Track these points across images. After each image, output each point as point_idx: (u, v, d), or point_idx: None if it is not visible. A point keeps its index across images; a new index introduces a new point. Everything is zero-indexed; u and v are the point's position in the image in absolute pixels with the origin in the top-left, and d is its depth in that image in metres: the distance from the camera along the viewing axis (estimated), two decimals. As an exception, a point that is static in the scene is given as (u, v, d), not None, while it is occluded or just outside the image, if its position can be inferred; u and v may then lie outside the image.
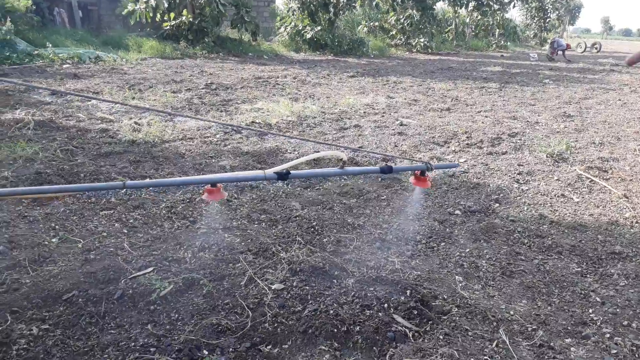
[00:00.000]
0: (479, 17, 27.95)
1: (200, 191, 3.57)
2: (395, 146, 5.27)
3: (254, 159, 4.55)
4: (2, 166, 3.92)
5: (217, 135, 5.36)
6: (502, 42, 27.93)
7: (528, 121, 6.80)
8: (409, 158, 4.71)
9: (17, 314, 2.09)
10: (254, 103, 7.31)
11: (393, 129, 6.04)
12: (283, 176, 1.76)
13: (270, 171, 1.74)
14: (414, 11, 21.61)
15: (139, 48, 13.14)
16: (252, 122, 6.07)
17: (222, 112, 6.64)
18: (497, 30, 28.68)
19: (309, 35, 17.58)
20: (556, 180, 4.26)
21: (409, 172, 2.01)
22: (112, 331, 2.01)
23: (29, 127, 5.15)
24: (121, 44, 13.31)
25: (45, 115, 5.74)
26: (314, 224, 3.13)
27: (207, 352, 1.89)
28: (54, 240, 2.76)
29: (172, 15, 14.50)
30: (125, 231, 2.93)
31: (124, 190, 3.45)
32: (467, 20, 28.14)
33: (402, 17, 21.80)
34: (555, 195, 3.85)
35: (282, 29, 18.64)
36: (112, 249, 2.69)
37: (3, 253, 2.59)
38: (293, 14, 18.44)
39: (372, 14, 23.57)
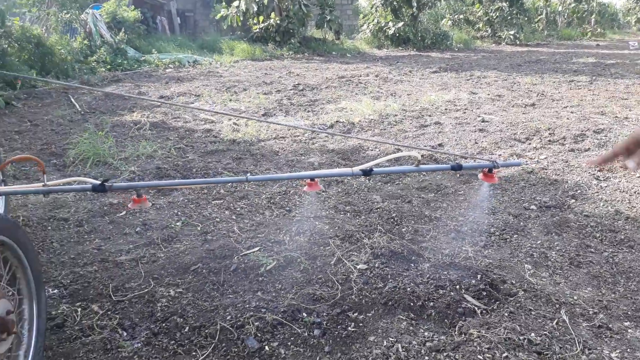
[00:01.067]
0: (573, 3, 26.41)
1: (298, 185, 4.05)
2: (475, 143, 5.45)
3: (339, 156, 4.97)
4: (130, 162, 4.66)
5: (306, 135, 5.85)
6: (599, 29, 26.21)
7: (617, 117, 6.63)
8: (474, 157, 4.90)
9: (157, 280, 2.66)
10: (338, 103, 7.75)
11: (474, 126, 6.20)
12: (367, 172, 2.14)
13: (356, 168, 2.13)
14: (503, 3, 20.96)
15: (231, 51, 14.09)
16: (336, 121, 6.51)
17: (309, 112, 7.15)
18: (593, 17, 26.94)
19: (391, 31, 17.76)
20: (638, 177, 4.26)
21: (478, 169, 2.30)
22: (230, 296, 2.51)
23: (145, 127, 5.96)
24: (215, 47, 14.35)
25: (157, 117, 6.56)
26: (394, 215, 3.49)
27: (305, 315, 2.33)
28: (177, 223, 3.36)
29: (261, 18, 15.35)
30: (234, 217, 3.48)
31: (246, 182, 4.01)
32: (560, 8, 26.70)
33: (490, 9, 21.24)
34: (635, 192, 3.89)
35: (365, 26, 18.96)
36: (224, 232, 3.24)
37: (140, 233, 3.22)
38: (376, 11, 18.69)
39: (456, 6, 23.17)
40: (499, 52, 17.30)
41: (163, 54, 12.29)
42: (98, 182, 1.96)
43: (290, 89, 8.97)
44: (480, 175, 2.27)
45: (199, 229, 3.29)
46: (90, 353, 2.08)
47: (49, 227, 3.27)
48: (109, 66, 10.40)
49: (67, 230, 3.23)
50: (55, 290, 2.54)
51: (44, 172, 2.02)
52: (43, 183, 1.97)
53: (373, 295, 2.49)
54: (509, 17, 21.11)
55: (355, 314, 2.36)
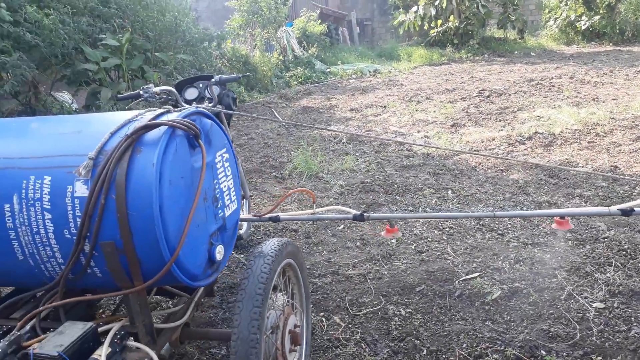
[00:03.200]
0: None
1: (548, 222, 3.97)
2: None
3: (545, 173, 4.71)
4: (336, 176, 5.05)
5: (502, 147, 5.66)
6: None
7: None
8: None
9: (386, 297, 2.87)
10: (532, 110, 7.31)
11: None
12: (627, 212, 2.02)
13: (614, 208, 2.03)
14: None
15: (409, 57, 14.21)
16: (535, 132, 6.15)
17: (500, 121, 6.88)
18: None
19: (584, 25, 16.06)
20: None
21: None
22: (460, 322, 2.59)
23: (342, 141, 6.38)
24: (393, 55, 14.62)
25: (351, 130, 6.97)
26: (625, 247, 3.20)
27: (544, 352, 2.30)
28: (392, 241, 3.55)
29: (439, 21, 15.18)
30: (445, 238, 3.55)
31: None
32: None
33: None
34: None
35: (551, 21, 17.45)
36: (439, 253, 3.33)
37: (360, 248, 3.49)
38: (565, 4, 17.07)
39: (665, -12, 19.92)
40: None
41: (346, 65, 12.93)
42: (358, 212, 2.20)
43: (476, 96, 8.73)
44: None
45: (412, 247, 3.44)
46: (342, 363, 2.35)
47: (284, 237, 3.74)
48: (300, 79, 11.32)
49: (299, 241, 3.65)
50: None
51: (314, 201, 2.34)
52: (312, 211, 2.28)
53: (617, 339, 2.35)
54: None
55: (599, 358, 2.25)
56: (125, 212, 1.60)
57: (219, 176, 1.95)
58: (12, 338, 1.65)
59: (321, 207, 2.50)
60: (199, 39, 8.39)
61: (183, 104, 3.10)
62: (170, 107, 2.10)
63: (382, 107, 8.50)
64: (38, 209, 1.68)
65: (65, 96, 7.37)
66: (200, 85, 3.19)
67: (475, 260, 3.20)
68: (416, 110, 7.95)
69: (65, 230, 1.67)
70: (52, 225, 1.68)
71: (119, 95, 3.12)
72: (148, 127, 1.68)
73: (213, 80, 3.06)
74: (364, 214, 2.19)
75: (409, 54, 14.48)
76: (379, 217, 2.28)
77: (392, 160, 5.48)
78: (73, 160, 1.69)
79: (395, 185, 4.67)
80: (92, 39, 6.76)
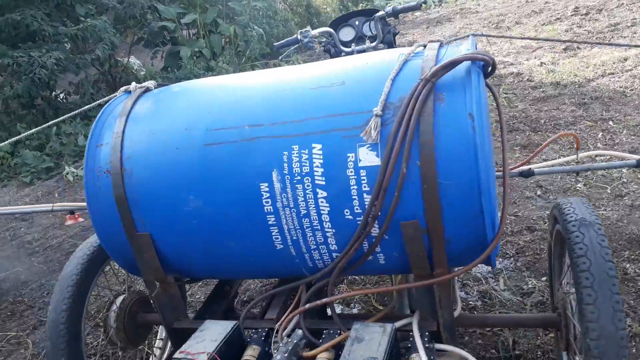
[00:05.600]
0: None
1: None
2: None
3: None
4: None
5: (639, 68, 4.96)
6: None
7: None
8: None
9: (615, 254, 2.42)
10: (651, 23, 6.44)
11: None
12: None
13: None
14: None
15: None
16: (672, 46, 5.37)
17: (620, 38, 6.08)
18: None
19: None
20: None
21: None
22: None
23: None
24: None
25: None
26: None
27: None
28: (579, 186, 3.07)
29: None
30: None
31: None
32: None
33: None
34: None
35: None
36: (647, 195, 2.84)
37: (542, 197, 3.03)
38: None
39: None
40: None
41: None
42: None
43: (571, 14, 7.81)
44: None
45: (608, 191, 2.95)
46: None
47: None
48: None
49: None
50: None
51: (579, 147, 1.88)
52: (575, 159, 1.83)
53: None
54: None
55: None
56: (435, 182, 1.20)
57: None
58: (290, 348, 1.33)
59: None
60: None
61: (341, 47, 2.66)
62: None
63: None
64: (307, 186, 1.30)
65: (136, 61, 7.04)
66: (356, 22, 2.71)
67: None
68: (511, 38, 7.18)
69: (347, 210, 1.29)
70: (327, 205, 1.30)
71: (275, 43, 2.70)
72: (449, 66, 1.24)
73: (382, 13, 2.57)
74: (653, 157, 1.71)
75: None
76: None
77: (518, 93, 4.90)
78: (348, 120, 1.29)
79: (541, 122, 4.13)
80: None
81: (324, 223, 1.32)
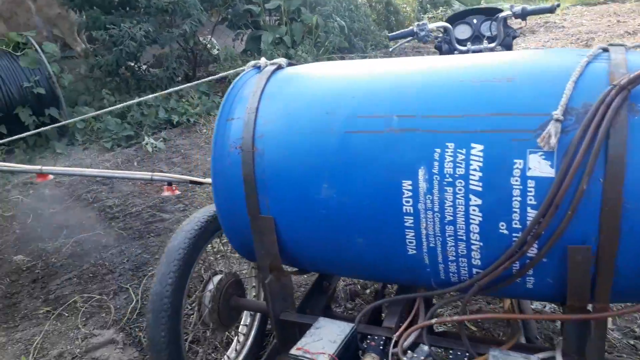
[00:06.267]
0: None
1: None
2: None
3: None
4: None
5: None
6: None
7: None
8: None
9: None
10: None
11: None
12: None
13: None
14: None
15: (559, -5, 12.50)
16: None
17: None
18: None
19: None
20: None
21: None
22: None
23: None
24: (538, -7, 12.94)
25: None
26: None
27: None
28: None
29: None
30: None
31: None
32: None
33: None
34: None
35: None
36: None
37: None
38: None
39: None
40: None
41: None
42: None
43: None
44: None
45: None
46: None
47: None
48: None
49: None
50: None
51: None
52: None
53: None
54: None
55: None
56: (619, 204, 1.05)
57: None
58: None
59: None
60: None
61: (455, 44, 2.52)
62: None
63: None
64: (459, 190, 1.18)
65: (214, 41, 7.10)
66: (474, 20, 2.57)
67: None
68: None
69: (502, 223, 1.16)
70: (479, 214, 1.18)
71: (390, 34, 2.59)
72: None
73: (507, 13, 2.42)
74: None
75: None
76: None
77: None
78: (517, 121, 1.15)
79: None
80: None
81: (471, 234, 1.20)
